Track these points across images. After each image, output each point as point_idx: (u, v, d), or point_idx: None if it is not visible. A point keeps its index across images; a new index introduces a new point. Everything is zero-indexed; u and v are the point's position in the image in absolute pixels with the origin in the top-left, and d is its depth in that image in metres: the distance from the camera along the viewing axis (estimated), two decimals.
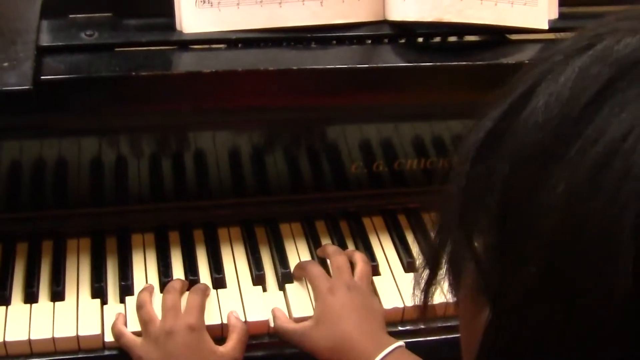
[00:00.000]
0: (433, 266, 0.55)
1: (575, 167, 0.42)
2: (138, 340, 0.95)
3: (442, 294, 0.57)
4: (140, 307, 0.97)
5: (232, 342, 0.95)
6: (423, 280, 0.56)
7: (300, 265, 1.05)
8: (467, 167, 0.50)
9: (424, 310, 0.58)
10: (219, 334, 0.98)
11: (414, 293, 0.58)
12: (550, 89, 0.46)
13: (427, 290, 0.57)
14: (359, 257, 1.05)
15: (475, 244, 0.49)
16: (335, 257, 1.04)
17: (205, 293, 1.00)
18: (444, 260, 0.54)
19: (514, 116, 0.47)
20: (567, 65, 0.46)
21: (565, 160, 0.43)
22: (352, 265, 1.04)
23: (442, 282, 0.55)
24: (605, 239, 0.41)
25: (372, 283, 1.05)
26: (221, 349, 0.94)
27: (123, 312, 0.99)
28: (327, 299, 0.97)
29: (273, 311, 1.01)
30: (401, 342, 0.92)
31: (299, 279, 1.06)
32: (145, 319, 0.95)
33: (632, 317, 0.41)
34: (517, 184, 0.45)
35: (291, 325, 0.99)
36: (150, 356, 0.92)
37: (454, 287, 0.54)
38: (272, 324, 1.00)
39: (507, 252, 0.46)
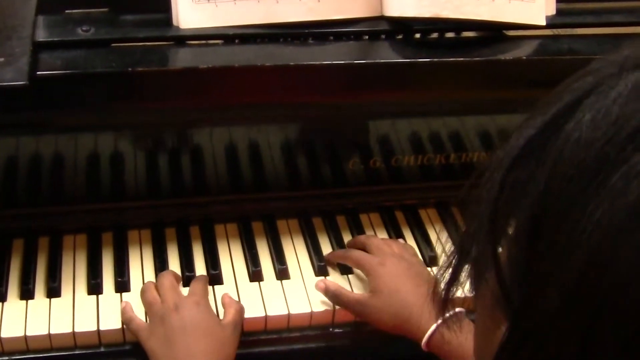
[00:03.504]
0: (455, 270, 0.53)
1: (616, 197, 0.39)
2: (144, 323, 0.96)
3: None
4: (144, 292, 0.99)
5: (231, 316, 0.97)
6: (444, 280, 0.54)
7: (337, 255, 1.08)
8: (502, 174, 0.47)
9: (444, 309, 0.57)
10: None
11: (434, 290, 0.57)
12: (599, 104, 0.42)
13: (448, 291, 0.54)
14: (393, 239, 1.10)
15: (500, 256, 0.47)
16: (370, 240, 1.06)
17: (206, 281, 1.02)
18: (466, 266, 0.51)
19: (557, 126, 0.44)
20: (620, 79, 0.43)
21: (607, 186, 0.40)
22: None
23: (464, 283, 0.53)
24: (638, 279, 0.39)
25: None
26: (223, 321, 0.96)
27: (119, 308, 0.99)
28: (379, 271, 0.99)
29: (323, 281, 1.02)
30: (461, 308, 0.92)
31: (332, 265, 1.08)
32: (149, 300, 0.97)
33: None
34: (552, 200, 0.43)
35: (352, 294, 1.01)
36: (157, 333, 0.93)
37: (474, 292, 0.52)
38: (266, 321, 1.00)
39: (533, 270, 0.44)
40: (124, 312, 0.97)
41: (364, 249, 1.06)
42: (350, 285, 1.05)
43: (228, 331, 0.94)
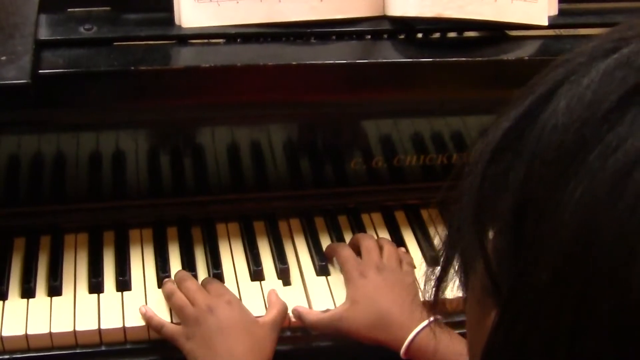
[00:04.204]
0: (444, 264, 0.54)
1: (595, 174, 0.41)
2: (179, 327, 0.96)
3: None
4: (171, 295, 0.98)
5: (272, 315, 0.97)
6: (434, 277, 0.56)
7: (332, 247, 1.08)
8: (483, 166, 0.48)
9: (435, 306, 0.58)
10: None
11: (424, 288, 0.58)
12: (573, 91, 0.44)
13: (438, 287, 0.56)
14: (385, 241, 1.09)
15: (487, 246, 0.48)
16: (365, 240, 1.07)
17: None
18: (455, 258, 0.53)
19: (533, 117, 0.46)
20: (590, 67, 0.45)
21: (585, 165, 0.42)
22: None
23: (453, 279, 0.54)
24: (621, 249, 0.40)
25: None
26: (261, 319, 0.96)
27: (120, 307, 0.99)
28: (359, 282, 1.00)
29: (296, 310, 1.01)
30: (438, 315, 0.94)
31: (333, 264, 1.08)
32: (179, 304, 0.96)
33: None
34: (533, 186, 0.44)
35: (324, 315, 1.00)
36: (195, 336, 0.93)
37: (464, 286, 0.53)
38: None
39: (520, 255, 0.45)
40: (150, 319, 0.97)
41: (359, 247, 1.07)
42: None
43: (266, 329, 0.95)
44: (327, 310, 1.01)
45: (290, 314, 1.01)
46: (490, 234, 0.49)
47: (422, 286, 0.59)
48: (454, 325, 0.95)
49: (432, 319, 0.93)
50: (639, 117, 0.41)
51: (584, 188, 0.41)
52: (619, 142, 0.41)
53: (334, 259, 1.08)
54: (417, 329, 0.93)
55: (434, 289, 0.56)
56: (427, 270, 0.57)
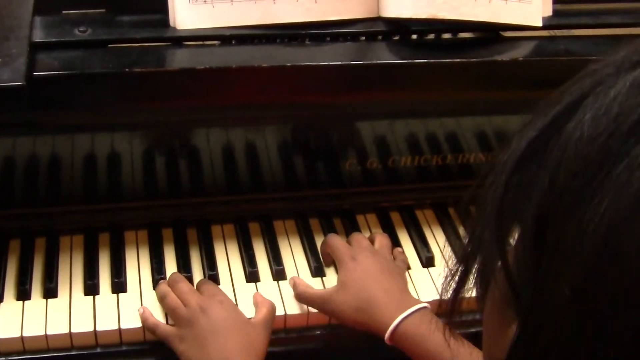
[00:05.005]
0: (462, 273, 0.53)
1: (621, 188, 0.40)
2: (173, 328, 0.96)
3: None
4: (164, 297, 0.98)
5: (262, 314, 0.97)
6: (451, 287, 0.55)
7: (324, 241, 1.08)
8: (506, 176, 0.48)
9: (451, 314, 0.57)
10: None
11: (441, 298, 0.57)
12: (599, 103, 0.44)
13: (456, 296, 0.55)
14: (378, 233, 1.11)
15: (508, 256, 0.48)
16: (355, 235, 1.08)
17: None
18: (474, 268, 0.52)
19: (559, 127, 0.45)
20: (618, 78, 0.44)
21: (610, 178, 0.41)
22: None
23: (471, 288, 0.54)
24: None
25: None
26: (252, 319, 0.96)
27: (116, 308, 0.99)
28: (350, 264, 1.01)
29: (292, 279, 1.03)
30: (425, 304, 0.95)
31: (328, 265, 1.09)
32: (172, 305, 0.97)
33: None
34: (557, 198, 0.44)
35: (314, 291, 1.01)
36: (188, 337, 0.93)
37: (482, 296, 0.53)
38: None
39: (542, 267, 0.44)
40: (146, 320, 0.97)
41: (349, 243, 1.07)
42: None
43: (258, 329, 0.95)
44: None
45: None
46: (512, 244, 0.48)
47: (439, 291, 0.58)
48: (463, 325, 0.95)
49: (420, 306, 0.94)
50: None
51: (609, 202, 0.41)
52: None
53: (326, 253, 1.08)
54: (403, 315, 0.93)
55: (451, 298, 0.55)
56: (443, 282, 0.56)
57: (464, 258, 0.53)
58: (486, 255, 0.50)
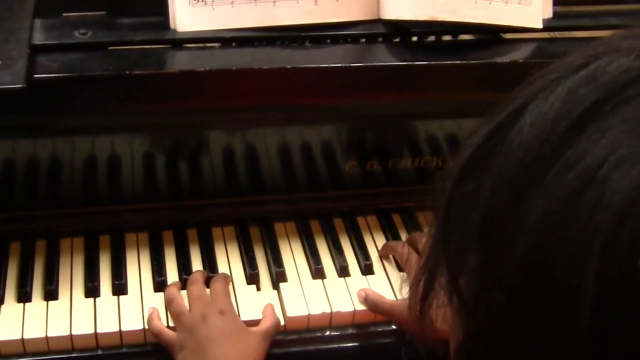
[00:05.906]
0: (426, 282, 0.53)
1: (551, 193, 0.41)
2: (174, 334, 0.96)
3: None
4: (170, 301, 0.98)
5: (265, 326, 0.97)
6: (418, 295, 0.55)
7: (388, 245, 1.10)
8: (451, 185, 0.48)
9: (421, 321, 0.57)
10: None
11: (410, 306, 0.57)
12: (539, 109, 0.44)
13: (423, 304, 0.55)
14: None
15: (456, 265, 0.48)
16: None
17: (226, 280, 1.02)
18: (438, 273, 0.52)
19: (502, 135, 0.46)
20: (559, 84, 0.44)
21: (542, 185, 0.41)
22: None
23: (439, 295, 0.54)
24: (573, 270, 0.39)
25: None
26: (253, 329, 0.97)
27: (116, 310, 0.99)
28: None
29: (369, 297, 1.02)
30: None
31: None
32: (177, 311, 0.97)
33: (593, 347, 0.40)
34: (497, 205, 0.44)
35: (397, 302, 1.00)
36: (188, 345, 0.93)
37: (449, 302, 0.53)
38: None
39: (482, 274, 0.45)
40: (150, 322, 0.97)
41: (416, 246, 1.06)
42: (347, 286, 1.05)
43: (258, 338, 0.95)
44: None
45: (357, 301, 1.02)
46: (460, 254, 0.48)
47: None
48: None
49: None
50: (595, 136, 0.40)
51: (540, 206, 0.41)
52: (576, 159, 0.40)
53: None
54: None
55: (419, 306, 0.55)
56: (410, 288, 0.56)
57: (424, 265, 0.53)
58: (435, 263, 0.51)
